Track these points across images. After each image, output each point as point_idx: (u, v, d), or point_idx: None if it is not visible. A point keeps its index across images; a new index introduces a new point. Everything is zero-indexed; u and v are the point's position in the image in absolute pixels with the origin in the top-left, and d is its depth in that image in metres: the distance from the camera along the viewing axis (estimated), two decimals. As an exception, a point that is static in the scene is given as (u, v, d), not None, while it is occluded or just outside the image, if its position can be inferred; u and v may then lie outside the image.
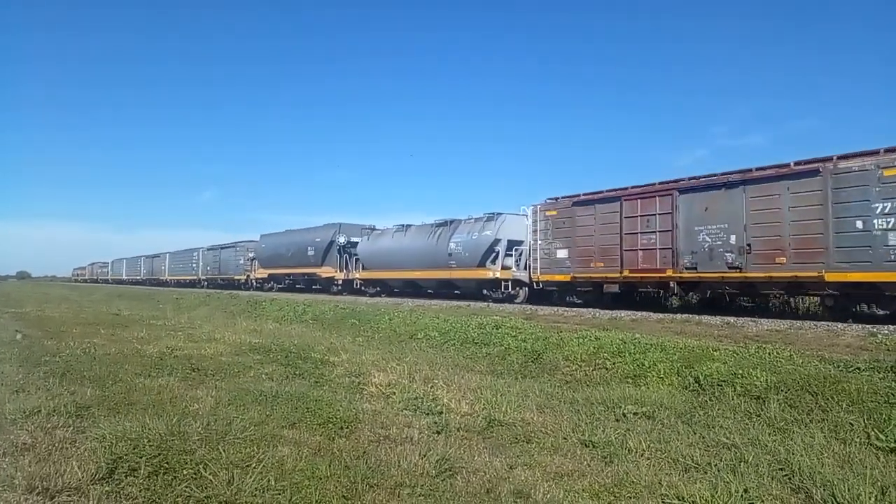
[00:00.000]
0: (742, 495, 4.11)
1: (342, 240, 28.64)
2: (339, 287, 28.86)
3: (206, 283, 45.12)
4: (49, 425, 5.18)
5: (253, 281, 37.46)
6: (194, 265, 48.19)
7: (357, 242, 28.48)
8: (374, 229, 28.30)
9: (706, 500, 4.03)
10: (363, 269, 27.83)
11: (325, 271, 29.32)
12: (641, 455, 5.06)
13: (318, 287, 31.10)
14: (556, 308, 16.53)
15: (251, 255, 37.88)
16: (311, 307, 19.51)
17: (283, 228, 35.33)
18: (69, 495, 3.78)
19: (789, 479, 4.49)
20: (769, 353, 8.14)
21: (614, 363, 8.48)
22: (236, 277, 39.71)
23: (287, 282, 33.63)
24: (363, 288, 27.69)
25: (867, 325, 10.38)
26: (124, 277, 71.88)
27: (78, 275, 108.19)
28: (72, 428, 5.13)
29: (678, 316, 13.17)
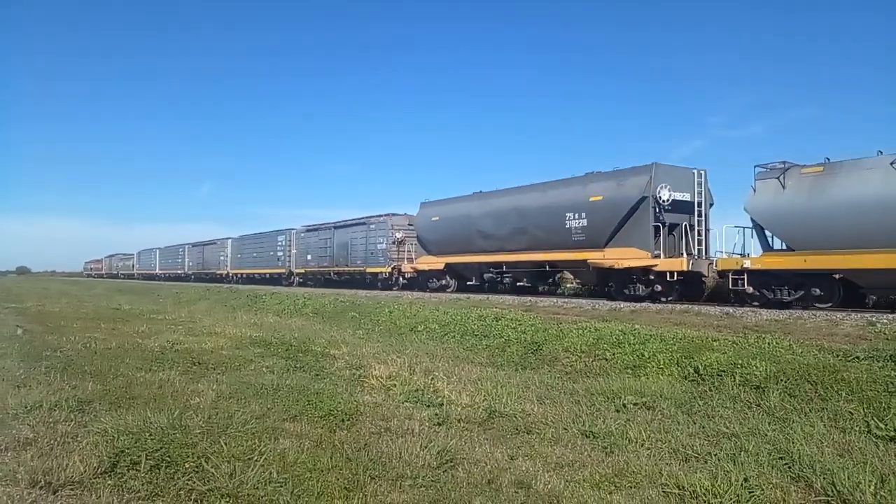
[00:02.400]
0: (742, 484, 4.13)
1: (664, 195, 14.55)
2: (665, 296, 14.82)
3: (299, 279, 32.55)
4: (51, 420, 5.20)
5: (403, 276, 24.78)
6: (280, 253, 34.32)
7: (687, 202, 14.82)
8: (788, 165, 12.75)
9: (706, 489, 4.05)
10: (775, 247, 13.12)
11: (618, 256, 15.25)
12: (642, 445, 5.08)
13: (583, 285, 18.29)
14: (555, 299, 16.54)
15: (399, 234, 24.54)
16: (311, 300, 19.52)
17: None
18: (72, 489, 3.79)
19: (789, 467, 4.51)
20: (768, 343, 8.16)
21: (614, 354, 8.49)
22: (371, 270, 25.74)
23: (490, 275, 20.00)
24: (773, 292, 12.64)
25: (866, 314, 10.39)
26: (157, 272, 58.53)
27: (91, 269, 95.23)
28: (73, 422, 5.15)
29: (677, 306, 13.18)
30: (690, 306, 13.11)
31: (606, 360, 8.43)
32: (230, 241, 41.87)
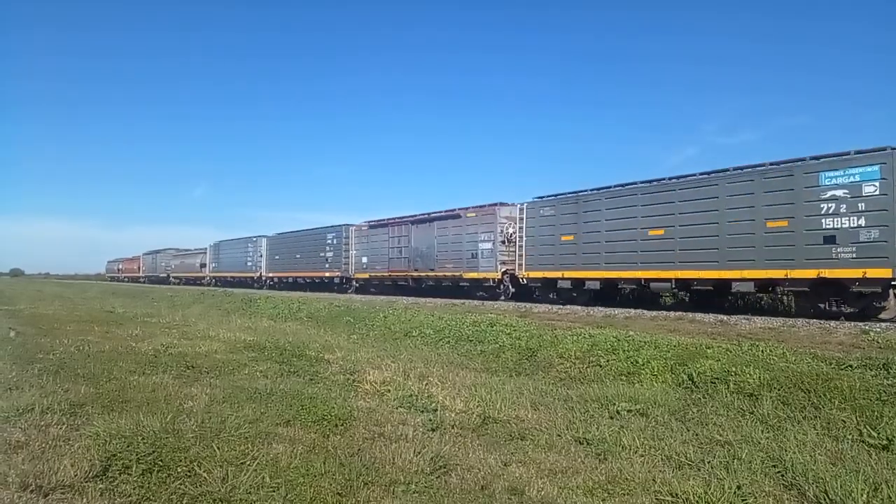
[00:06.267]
0: (735, 492, 4.13)
1: None
2: None
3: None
4: (43, 423, 5.16)
5: None
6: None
7: None
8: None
9: (699, 496, 4.05)
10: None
11: None
12: (635, 452, 5.08)
13: None
14: (550, 306, 16.56)
15: None
16: (306, 304, 19.48)
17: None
18: (63, 493, 3.76)
19: (782, 475, 4.52)
20: (762, 351, 8.19)
21: (608, 360, 8.50)
22: None
23: None
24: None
25: (859, 323, 10.44)
26: (264, 274, 36.77)
27: (120, 271, 70.46)
28: (66, 425, 5.11)
29: (672, 313, 13.21)
30: (684, 314, 13.15)
31: (601, 366, 8.44)
32: (524, 206, 19.23)
